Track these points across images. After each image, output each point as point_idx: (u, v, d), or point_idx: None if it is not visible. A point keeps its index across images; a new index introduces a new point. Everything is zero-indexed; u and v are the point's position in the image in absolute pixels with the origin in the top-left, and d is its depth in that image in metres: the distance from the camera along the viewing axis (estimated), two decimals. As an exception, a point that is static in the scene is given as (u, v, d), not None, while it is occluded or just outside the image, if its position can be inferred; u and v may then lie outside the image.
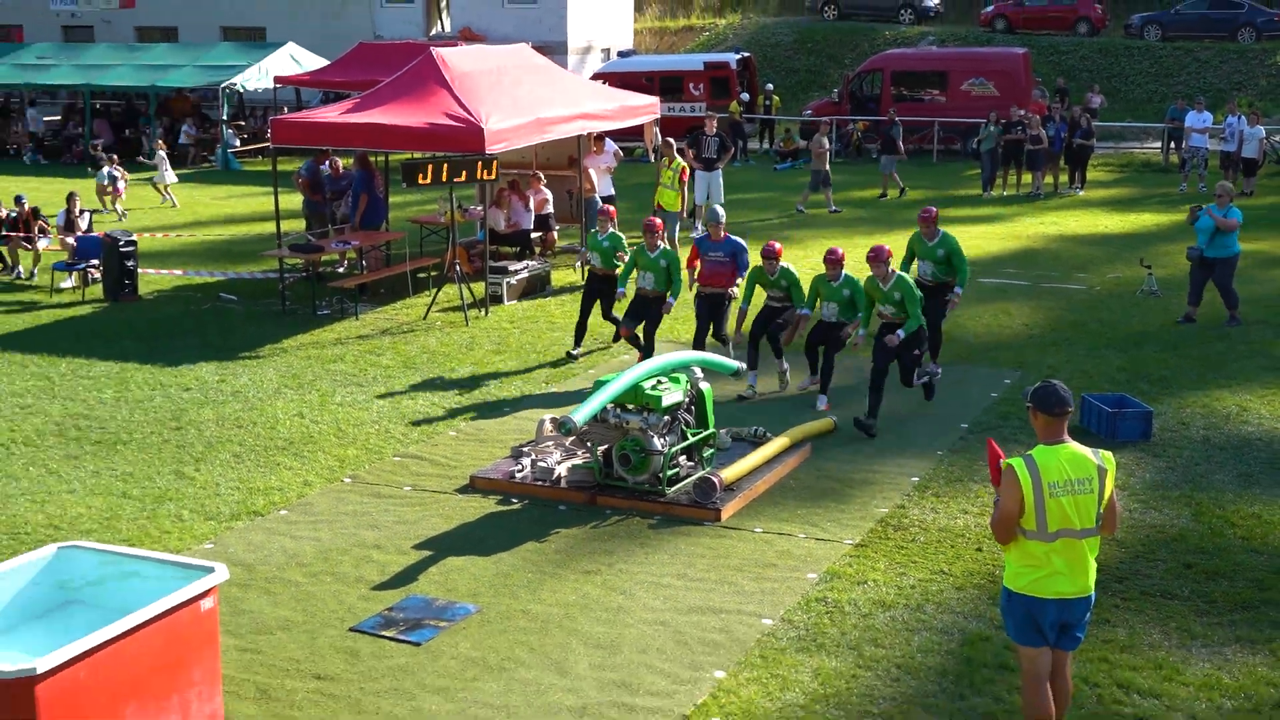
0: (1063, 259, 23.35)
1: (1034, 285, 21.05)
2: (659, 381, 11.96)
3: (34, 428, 13.96)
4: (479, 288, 19.98)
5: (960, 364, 16.34)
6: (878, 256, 13.67)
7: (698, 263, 15.86)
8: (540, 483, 12.01)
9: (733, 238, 15.49)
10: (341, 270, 22.53)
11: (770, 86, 43.05)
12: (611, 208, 17.57)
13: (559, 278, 21.85)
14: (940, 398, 14.77)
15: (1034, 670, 7.31)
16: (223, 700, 8.04)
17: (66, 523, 11.25)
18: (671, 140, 23.17)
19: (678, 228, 22.14)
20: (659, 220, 15.95)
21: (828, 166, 29.22)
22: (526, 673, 8.70)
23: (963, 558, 10.48)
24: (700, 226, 25.31)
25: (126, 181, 30.49)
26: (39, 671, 6.74)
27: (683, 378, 12.18)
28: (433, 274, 21.53)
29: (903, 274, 13.92)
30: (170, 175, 32.02)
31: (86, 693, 7.05)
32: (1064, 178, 32.58)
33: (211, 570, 7.88)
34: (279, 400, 15.02)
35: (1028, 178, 32.19)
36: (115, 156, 31.90)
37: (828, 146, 29.50)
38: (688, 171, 23.19)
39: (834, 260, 14.24)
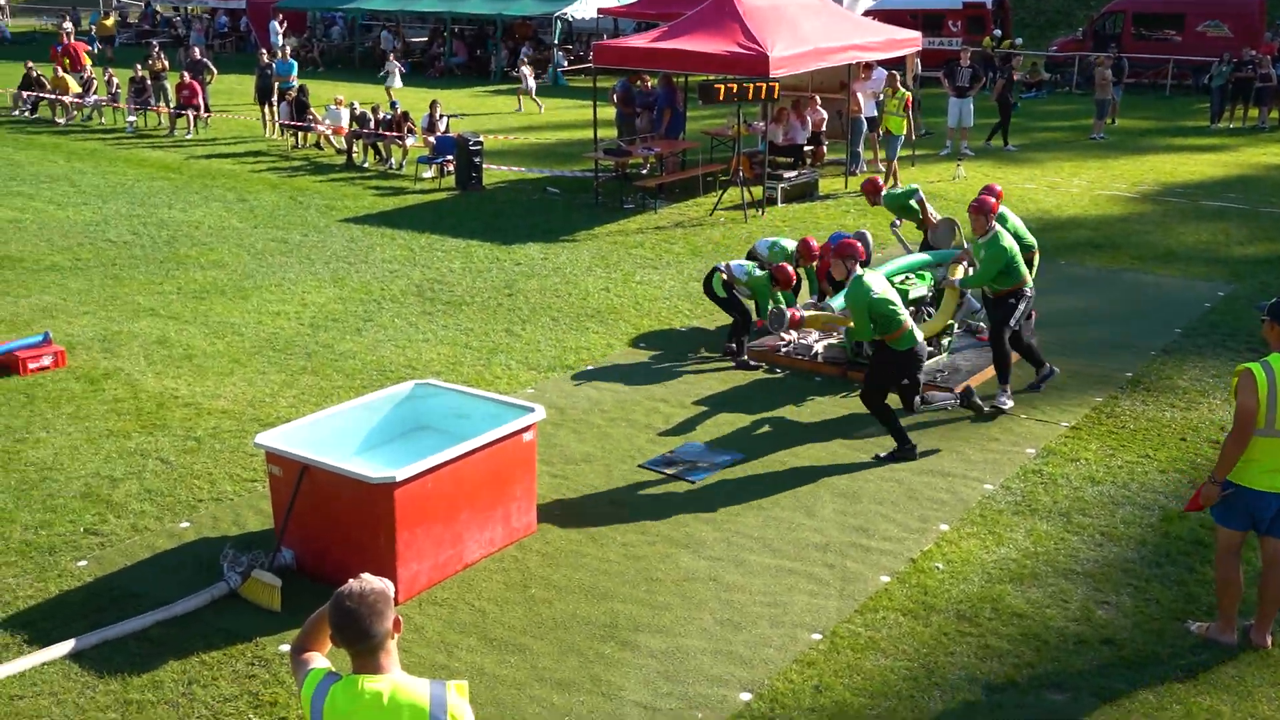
0: (1282, 186, 21.66)
1: (1253, 209, 19.59)
2: (907, 277, 11.69)
3: (399, 288, 14.62)
4: (757, 191, 19.82)
5: (1178, 275, 15.43)
6: (979, 207, 10.29)
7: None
8: (800, 357, 11.96)
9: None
10: (645, 172, 22.65)
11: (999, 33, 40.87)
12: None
13: (826, 185, 21.46)
14: (1157, 304, 14.00)
15: (1230, 545, 6.93)
16: (536, 513, 8.38)
17: (421, 364, 11.80)
18: (895, 73, 22.07)
19: (898, 148, 21.22)
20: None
21: (1110, 95, 27.46)
22: (781, 512, 8.75)
23: (1167, 445, 9.99)
24: (951, 146, 24.46)
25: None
26: (398, 479, 7.14)
27: (929, 275, 11.87)
28: (720, 178, 21.44)
29: (1002, 231, 10.43)
30: (532, 84, 32.58)
31: (433, 498, 7.44)
32: (1290, 112, 30.02)
33: (532, 410, 8.16)
34: (589, 276, 15.30)
35: (1254, 112, 29.82)
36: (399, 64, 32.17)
37: (1110, 78, 27.67)
38: (911, 100, 22.08)
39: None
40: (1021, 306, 10.51)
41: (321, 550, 7.54)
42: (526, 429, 8.04)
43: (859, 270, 9.43)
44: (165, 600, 7.39)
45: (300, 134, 25.48)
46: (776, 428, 10.38)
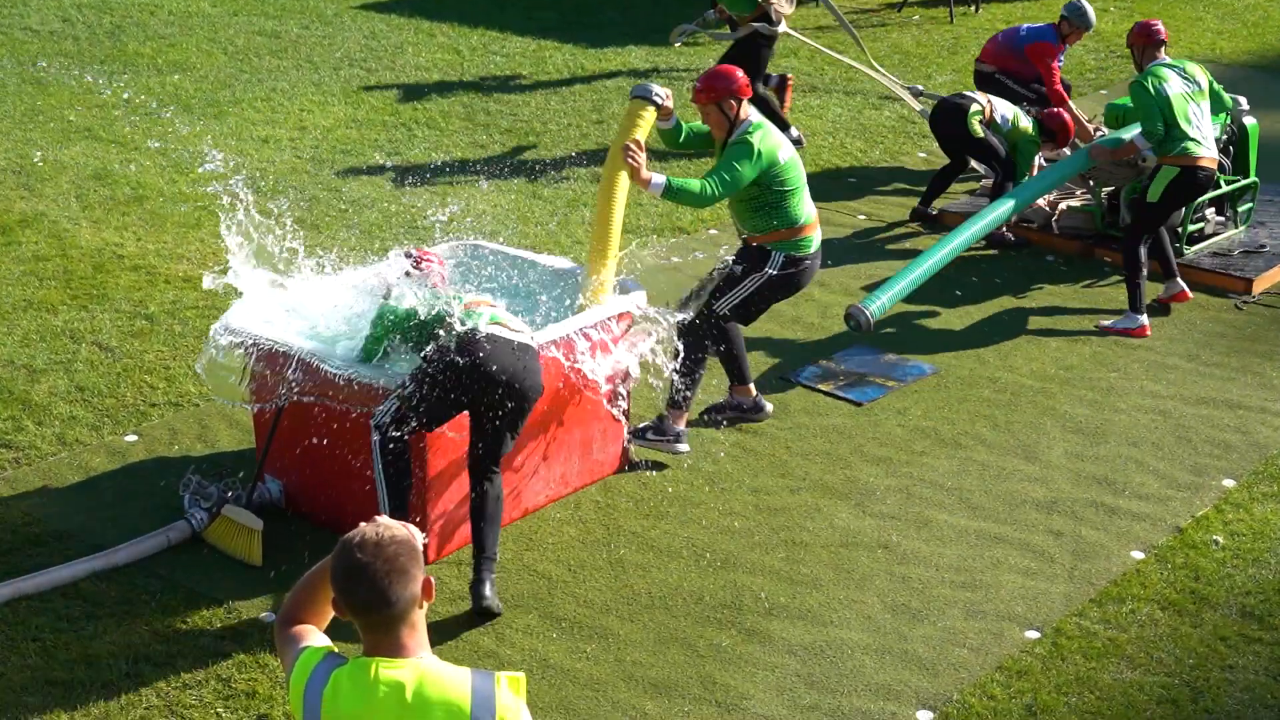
0: None
1: None
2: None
3: (439, 109, 14.68)
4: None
5: None
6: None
7: None
8: (1028, 224, 11.79)
9: None
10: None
11: None
12: None
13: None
14: None
15: None
16: (628, 442, 8.43)
17: (470, 219, 11.83)
18: None
19: None
20: None
21: None
22: (987, 453, 8.71)
23: None
24: None
25: None
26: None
27: (1224, 103, 11.56)
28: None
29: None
30: None
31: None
32: None
33: (630, 292, 8.17)
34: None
35: None
36: None
37: None
38: None
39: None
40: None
41: (320, 483, 7.66)
42: (620, 317, 8.07)
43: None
44: (103, 544, 7.59)
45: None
46: (985, 330, 10.29)
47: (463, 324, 6.98)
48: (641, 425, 8.53)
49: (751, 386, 8.84)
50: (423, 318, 7.09)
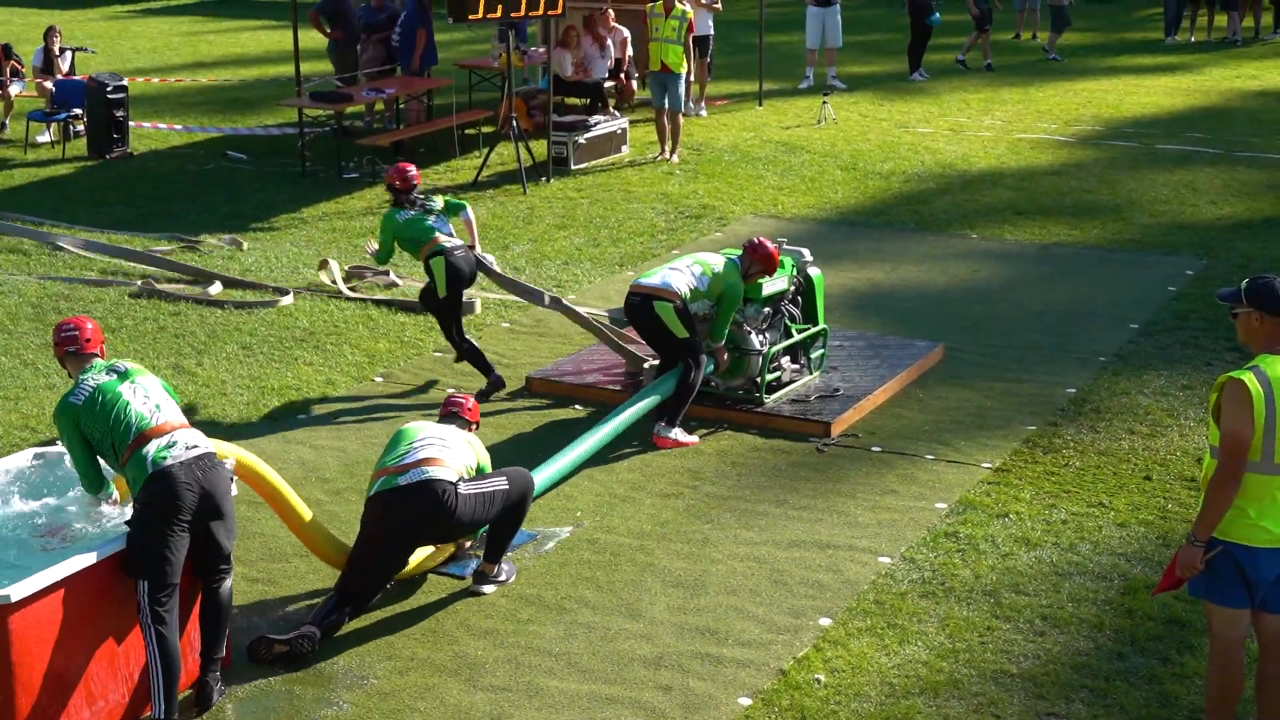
0: (1263, 121, 22.87)
1: (1226, 154, 20.66)
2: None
3: (5, 310, 14.16)
4: (540, 148, 19.90)
5: (1131, 249, 16.12)
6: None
7: None
8: (609, 386, 12.03)
9: None
10: (373, 125, 22.51)
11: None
12: None
13: (638, 136, 21.71)
14: (1108, 291, 14.59)
15: (1228, 634, 7.03)
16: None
17: (46, 423, 11.43)
18: None
19: (684, 92, 20.93)
20: None
21: (1066, 2, 28.29)
22: (591, 615, 8.75)
23: (1127, 488, 10.39)
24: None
25: None
26: (12, 600, 6.90)
27: (788, 261, 12.10)
28: (484, 130, 21.47)
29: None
30: None
31: (64, 626, 7.21)
32: (1267, 19, 31.76)
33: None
34: (295, 281, 15.10)
35: (1222, 19, 31.45)
36: None
37: None
38: (694, 24, 21.41)
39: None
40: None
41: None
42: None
43: None
44: None
45: None
46: (579, 493, 10.40)
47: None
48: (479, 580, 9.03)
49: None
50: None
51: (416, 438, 8.78)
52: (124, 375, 7.85)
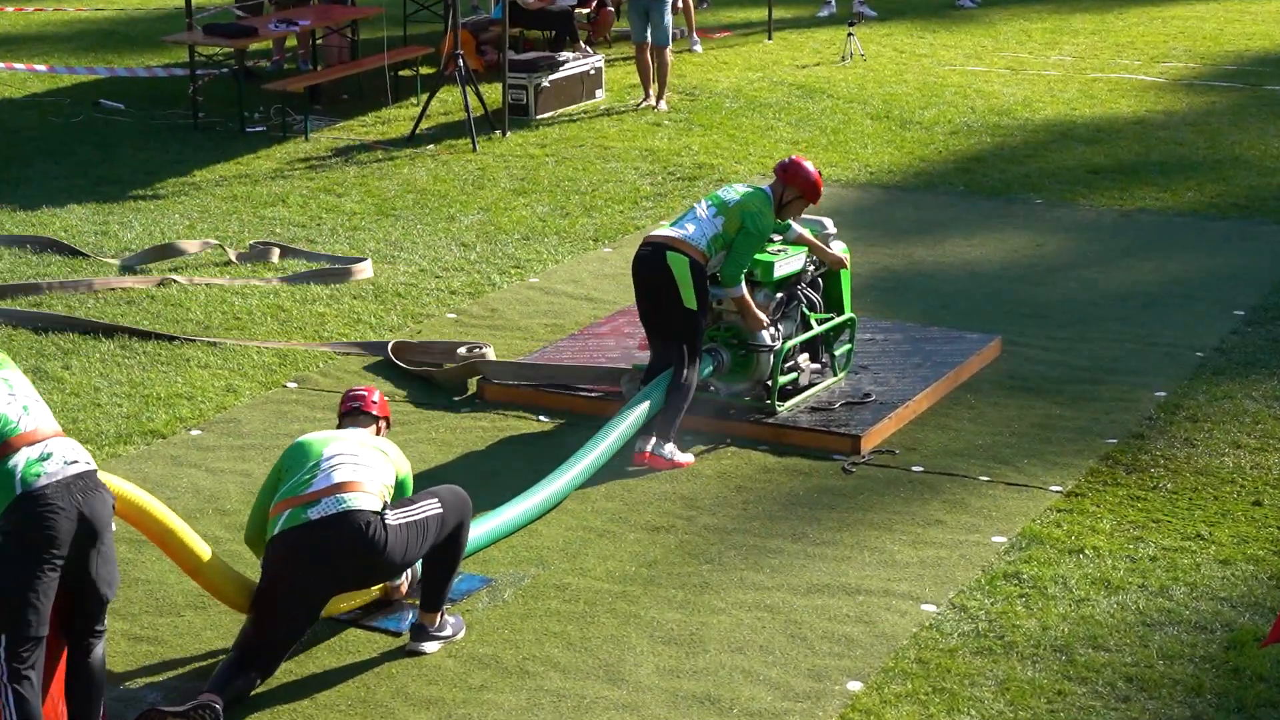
0: None
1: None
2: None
3: None
4: (493, 94, 19.88)
5: (1235, 216, 16.14)
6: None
7: None
8: (588, 392, 12.03)
9: None
10: (282, 66, 22.46)
11: None
12: None
13: (616, 78, 21.68)
14: (1206, 269, 14.61)
15: None
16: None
17: None
18: None
19: (669, 24, 20.89)
20: None
21: None
22: (562, 680, 8.73)
23: (1231, 515, 10.41)
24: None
25: None
26: None
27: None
28: (423, 72, 21.44)
29: None
30: None
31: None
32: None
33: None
34: (189, 267, 15.10)
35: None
36: None
37: None
38: None
39: None
40: None
41: None
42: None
43: None
44: None
45: None
46: (546, 525, 10.37)
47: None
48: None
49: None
50: None
51: (323, 455, 8.67)
52: None
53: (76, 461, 7.50)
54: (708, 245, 11.25)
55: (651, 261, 11.32)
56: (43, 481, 7.34)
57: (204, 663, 8.87)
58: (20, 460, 7.34)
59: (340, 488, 8.45)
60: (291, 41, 22.26)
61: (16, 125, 20.01)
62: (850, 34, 22.86)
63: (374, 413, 9.19)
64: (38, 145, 19.17)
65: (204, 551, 8.56)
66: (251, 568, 9.03)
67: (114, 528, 7.77)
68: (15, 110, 20.81)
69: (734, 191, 11.49)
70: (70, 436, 7.94)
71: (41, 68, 22.57)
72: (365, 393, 9.28)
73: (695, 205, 11.64)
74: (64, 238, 15.68)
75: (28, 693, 7.33)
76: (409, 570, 9.08)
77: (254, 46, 21.63)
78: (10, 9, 26.39)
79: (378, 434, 9.09)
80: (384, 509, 8.49)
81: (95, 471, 7.61)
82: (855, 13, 24.73)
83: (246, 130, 19.66)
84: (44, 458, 7.41)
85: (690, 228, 11.33)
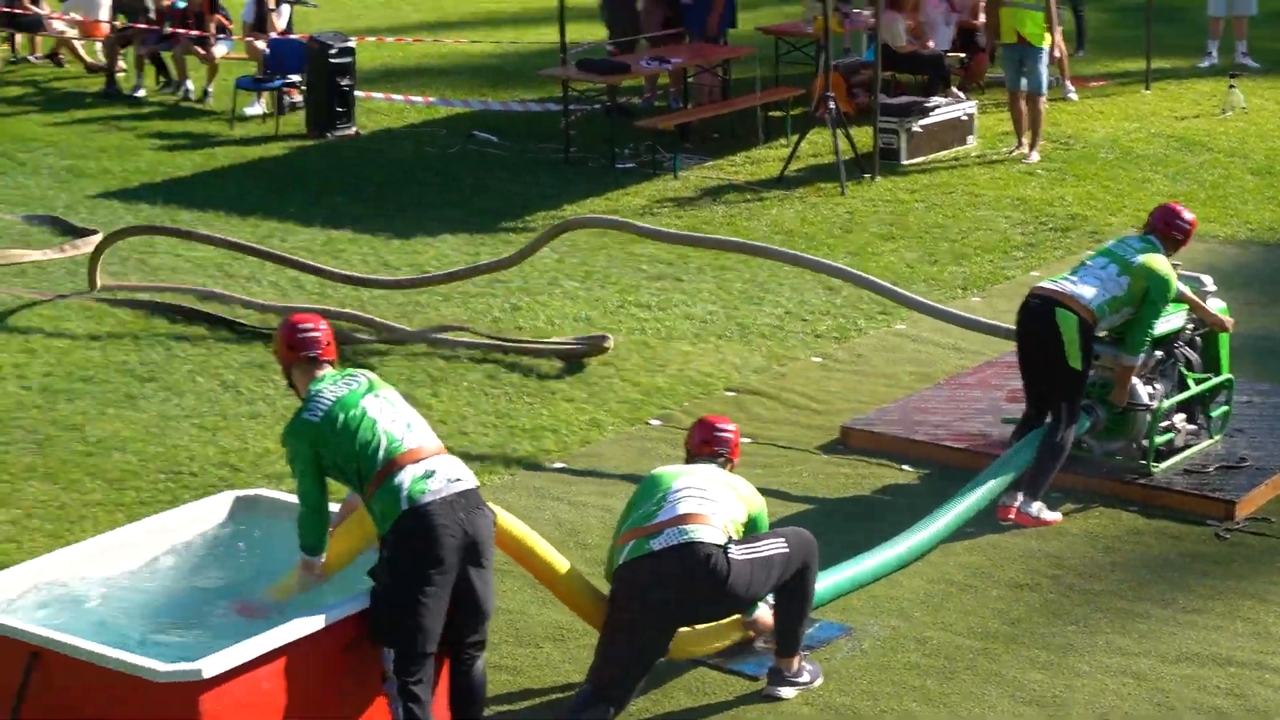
0: None
1: None
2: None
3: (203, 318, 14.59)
4: (863, 137, 19.89)
5: None
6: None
7: None
8: (949, 443, 11.94)
9: None
10: (653, 103, 22.70)
11: None
12: None
13: (989, 125, 21.54)
14: None
15: None
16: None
17: (248, 462, 11.75)
18: None
19: (1045, 71, 20.28)
20: None
21: None
22: (925, 739, 8.70)
23: None
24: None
25: None
26: (203, 675, 7.13)
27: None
28: (793, 113, 21.51)
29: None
30: None
31: (265, 708, 7.40)
32: None
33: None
34: (556, 298, 15.33)
35: None
36: None
37: None
38: None
39: None
40: None
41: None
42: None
43: None
44: None
45: (18, 36, 25.56)
46: (908, 575, 10.34)
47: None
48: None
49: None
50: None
51: (670, 488, 8.72)
52: (368, 387, 7.93)
53: (460, 479, 7.77)
54: (1101, 306, 11.07)
55: (1040, 314, 11.16)
56: (428, 498, 7.62)
57: (559, 694, 9.00)
58: (406, 478, 7.63)
59: (684, 519, 8.48)
60: (663, 79, 22.45)
61: (392, 156, 20.48)
62: (1232, 86, 22.39)
63: (732, 456, 9.23)
64: (414, 175, 19.59)
65: (561, 564, 8.71)
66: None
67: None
68: (394, 140, 21.30)
69: (1129, 249, 11.28)
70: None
71: (417, 99, 23.09)
72: (728, 432, 9.29)
73: (1090, 259, 11.46)
74: (434, 267, 15.98)
75: (418, 708, 7.57)
76: (762, 616, 9.07)
77: (626, 83, 21.85)
78: (389, 40, 27.02)
79: (728, 472, 9.10)
80: (728, 543, 8.48)
81: (478, 489, 7.85)
82: (1238, 64, 24.20)
83: (616, 166, 19.90)
84: (428, 475, 7.69)
85: (1086, 287, 11.14)
